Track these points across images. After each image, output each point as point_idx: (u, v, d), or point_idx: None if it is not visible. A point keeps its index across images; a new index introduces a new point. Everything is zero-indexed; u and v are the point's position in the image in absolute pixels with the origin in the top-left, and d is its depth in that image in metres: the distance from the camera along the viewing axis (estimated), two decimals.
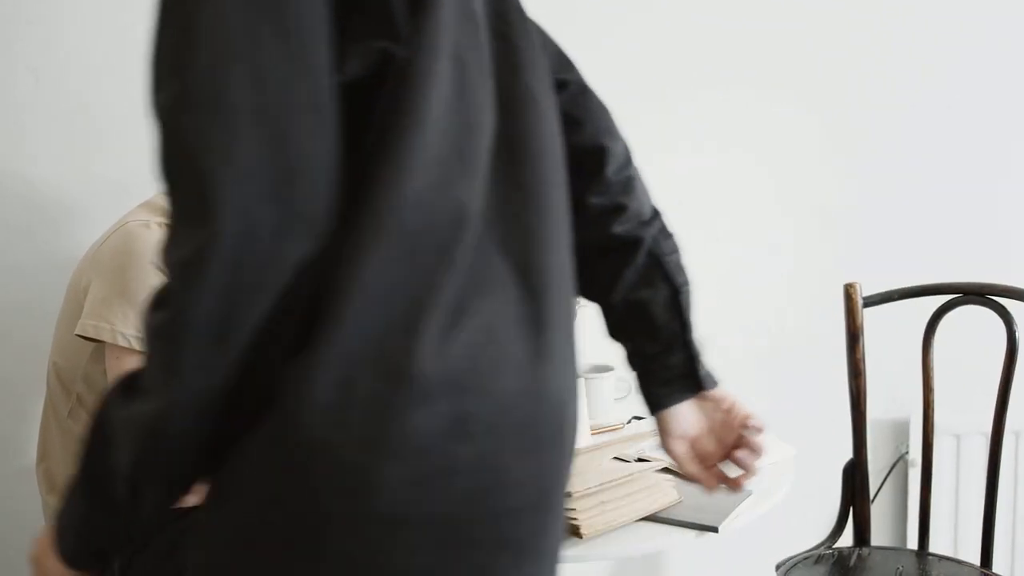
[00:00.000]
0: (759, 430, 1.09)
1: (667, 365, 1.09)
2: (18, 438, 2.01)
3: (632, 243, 1.09)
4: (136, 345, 1.39)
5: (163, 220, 1.48)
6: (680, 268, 1.11)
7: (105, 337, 1.40)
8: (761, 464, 1.09)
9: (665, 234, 1.12)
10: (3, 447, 2.03)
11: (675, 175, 2.13)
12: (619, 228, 1.08)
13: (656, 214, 1.13)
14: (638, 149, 1.13)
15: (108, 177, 1.97)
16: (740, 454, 1.08)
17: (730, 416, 1.10)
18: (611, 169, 1.08)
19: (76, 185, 1.98)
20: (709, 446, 1.11)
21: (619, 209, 1.09)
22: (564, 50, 1.10)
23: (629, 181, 1.11)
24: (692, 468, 1.11)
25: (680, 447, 1.11)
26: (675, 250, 1.12)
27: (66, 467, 1.57)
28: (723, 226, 2.18)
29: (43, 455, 1.62)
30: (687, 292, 1.10)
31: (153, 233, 1.45)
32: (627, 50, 2.09)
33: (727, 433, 1.10)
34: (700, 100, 2.13)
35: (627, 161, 1.12)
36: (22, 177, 1.97)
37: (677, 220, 2.14)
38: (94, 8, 1.95)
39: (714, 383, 1.11)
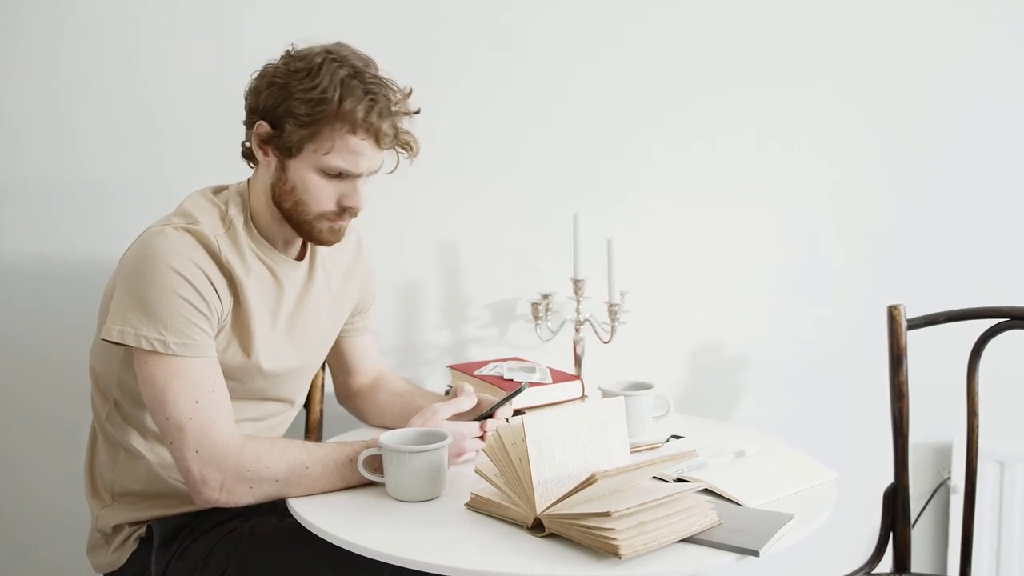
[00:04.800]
0: None
1: None
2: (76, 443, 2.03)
3: None
4: (159, 348, 1.40)
5: (180, 224, 1.48)
6: None
7: (129, 341, 1.41)
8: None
9: None
10: (63, 451, 2.05)
11: (708, 186, 2.12)
12: None
13: None
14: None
15: (152, 184, 1.99)
16: None
17: None
18: None
19: (122, 192, 2.00)
20: None
21: None
22: None
23: None
24: None
25: None
26: None
27: (107, 471, 1.58)
28: (766, 245, 2.16)
29: (88, 459, 1.64)
30: None
31: (167, 237, 1.45)
32: (658, 46, 2.08)
33: None
34: (737, 104, 2.12)
35: None
36: (67, 184, 1.99)
37: (719, 240, 2.13)
38: (142, 18, 1.97)
39: None
